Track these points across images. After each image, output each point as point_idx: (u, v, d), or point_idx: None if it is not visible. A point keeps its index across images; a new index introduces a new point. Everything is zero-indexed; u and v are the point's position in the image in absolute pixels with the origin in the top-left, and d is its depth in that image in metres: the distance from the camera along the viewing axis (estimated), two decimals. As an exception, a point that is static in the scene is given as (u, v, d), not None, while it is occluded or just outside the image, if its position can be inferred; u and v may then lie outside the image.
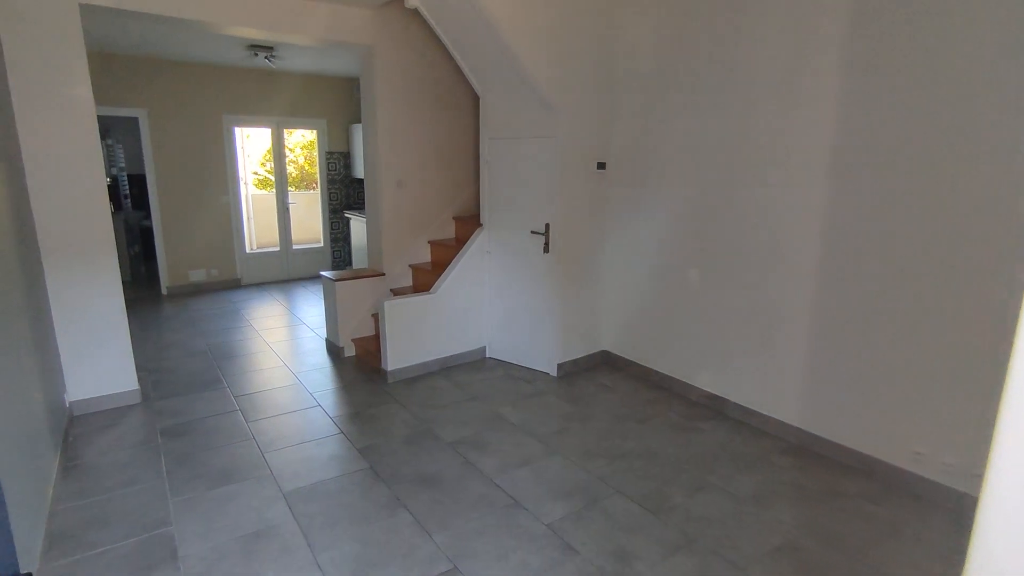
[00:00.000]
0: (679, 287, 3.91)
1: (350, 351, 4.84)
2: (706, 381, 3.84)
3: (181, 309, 6.30)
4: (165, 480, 2.94)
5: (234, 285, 7.41)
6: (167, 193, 6.78)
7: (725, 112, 3.46)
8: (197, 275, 7.14)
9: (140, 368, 4.43)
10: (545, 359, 4.39)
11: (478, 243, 4.55)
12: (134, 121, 6.59)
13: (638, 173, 4.10)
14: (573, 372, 4.42)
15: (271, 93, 7.26)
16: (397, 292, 4.96)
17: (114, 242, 3.67)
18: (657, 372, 4.19)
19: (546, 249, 4.18)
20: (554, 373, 4.35)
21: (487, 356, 4.76)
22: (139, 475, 2.99)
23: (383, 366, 4.30)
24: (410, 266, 5.06)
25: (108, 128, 8.19)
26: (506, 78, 4.02)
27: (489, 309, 4.67)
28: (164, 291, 6.94)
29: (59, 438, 3.17)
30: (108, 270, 3.65)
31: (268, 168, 11.70)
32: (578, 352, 4.47)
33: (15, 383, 2.33)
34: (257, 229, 8.64)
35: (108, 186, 8.09)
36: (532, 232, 4.25)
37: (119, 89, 6.31)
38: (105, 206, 3.58)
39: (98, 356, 3.69)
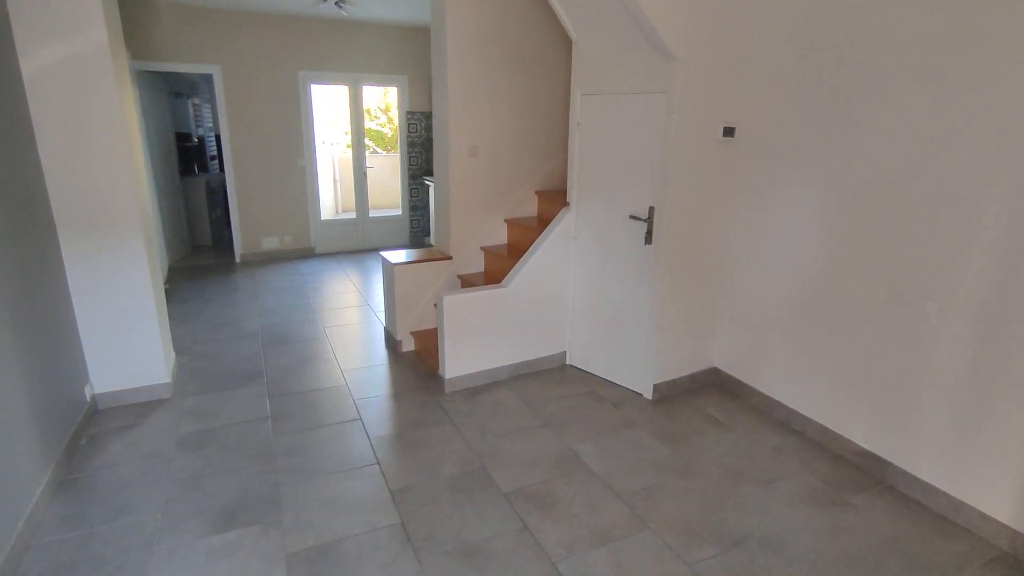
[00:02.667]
0: (835, 300, 2.85)
1: (408, 345, 4.19)
2: (862, 434, 2.80)
3: (248, 280, 5.96)
4: (160, 513, 2.42)
5: (307, 254, 7.03)
6: (241, 155, 6.43)
7: (946, 81, 2.32)
8: (270, 243, 6.81)
9: (183, 352, 4.04)
10: (639, 376, 3.50)
11: (562, 226, 3.68)
12: (221, 79, 6.22)
13: (787, 145, 3.02)
14: (673, 396, 3.50)
15: (348, 47, 6.64)
16: (465, 280, 4.22)
17: (142, 215, 3.17)
18: (786, 407, 3.17)
19: (648, 239, 3.24)
20: (649, 395, 3.46)
21: (567, 364, 3.94)
22: (134, 502, 2.49)
23: (440, 372, 3.60)
24: (482, 248, 4.29)
25: (196, 86, 8.01)
26: (609, 15, 3.05)
27: (573, 308, 3.82)
28: (237, 259, 6.67)
29: (63, 439, 2.75)
30: (134, 248, 3.14)
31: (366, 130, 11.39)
32: (681, 370, 3.53)
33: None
34: (344, 193, 8.25)
35: (194, 147, 8.01)
36: (631, 217, 3.32)
37: (192, 44, 5.93)
38: (129, 173, 3.04)
39: (125, 344, 3.25)
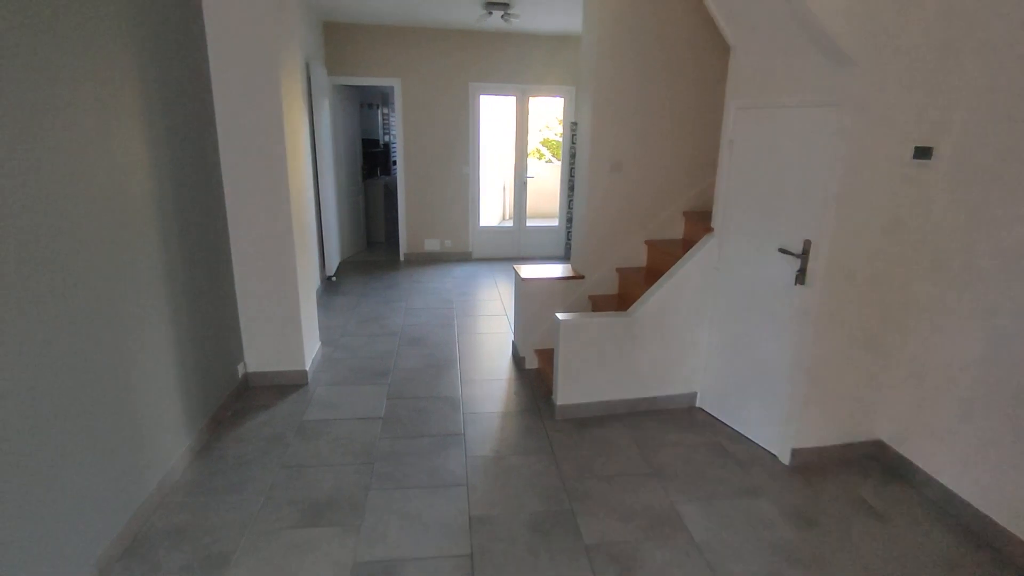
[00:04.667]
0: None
1: (532, 363, 4.09)
2: (1085, 569, 2.05)
3: (405, 279, 6.34)
4: (263, 496, 2.60)
5: (464, 258, 7.30)
6: (413, 161, 6.88)
7: None
8: (431, 244, 7.19)
9: (329, 343, 4.39)
10: (776, 434, 2.99)
11: (703, 254, 3.29)
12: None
13: (1014, 172, 2.35)
14: (817, 466, 2.92)
15: (517, 59, 6.76)
16: (596, 301, 3.99)
17: (297, 225, 3.49)
18: (973, 508, 2.46)
19: (800, 279, 2.74)
20: (785, 460, 2.93)
21: (696, 406, 3.52)
22: (248, 481, 2.71)
23: (553, 397, 3.43)
24: (617, 270, 4.02)
25: (387, 97, 8.79)
26: (772, 15, 2.64)
27: (709, 346, 3.40)
28: (401, 257, 7.16)
29: (211, 410, 3.11)
30: (287, 253, 3.46)
31: (544, 140, 11.67)
32: (832, 437, 2.94)
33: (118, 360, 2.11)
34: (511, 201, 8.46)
35: (379, 152, 8.80)
36: (780, 250, 2.84)
37: (378, 59, 6.48)
38: (285, 193, 3.36)
39: (275, 333, 3.61)
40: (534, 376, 3.97)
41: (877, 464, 2.95)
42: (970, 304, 2.48)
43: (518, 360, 4.16)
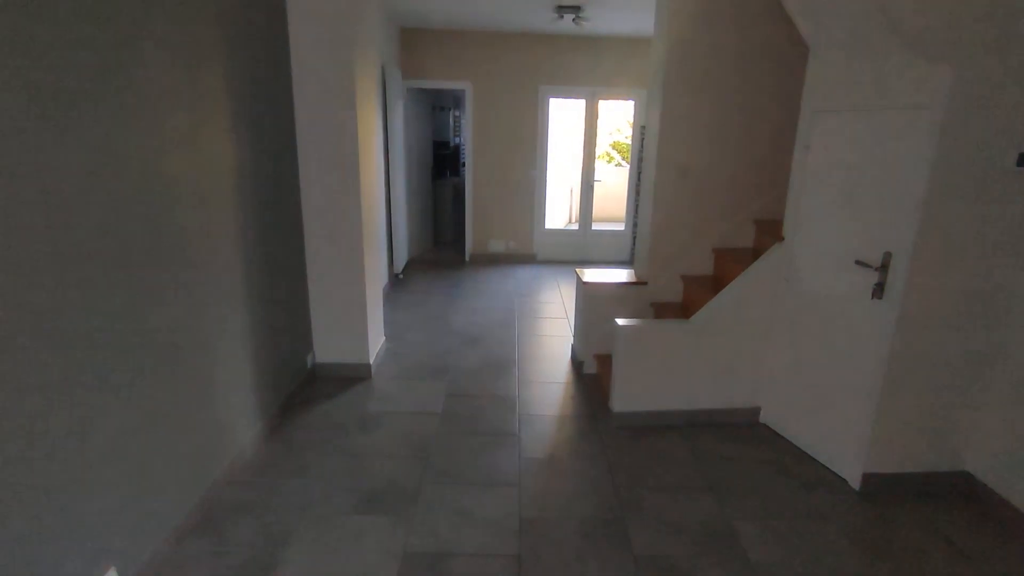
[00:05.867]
0: None
1: (591, 368, 4.05)
2: None
3: (469, 278, 6.45)
4: (324, 482, 2.72)
5: (528, 260, 7.33)
6: (481, 162, 6.98)
7: None
8: (496, 245, 7.27)
9: (394, 338, 4.53)
10: (846, 456, 2.83)
11: (771, 263, 3.16)
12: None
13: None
14: (892, 494, 2.73)
15: (587, 62, 6.73)
16: (660, 308, 3.91)
17: (366, 227, 3.61)
18: (1074, 554, 2.23)
19: (878, 293, 2.58)
20: (855, 484, 2.77)
21: (760, 421, 3.38)
22: (311, 466, 2.84)
23: (609, 404, 3.39)
24: (682, 277, 3.92)
25: (459, 100, 8.96)
26: (856, 14, 2.51)
27: (776, 358, 3.26)
28: (467, 257, 7.28)
29: (282, 397, 3.29)
30: (354, 252, 3.60)
31: (614, 143, 11.56)
32: (911, 464, 2.74)
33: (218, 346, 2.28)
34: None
35: (449, 154, 8.99)
36: (857, 262, 2.68)
37: (450, 63, 6.62)
38: (356, 195, 3.49)
39: (342, 326, 3.76)
40: (592, 381, 3.94)
41: (963, 498, 2.73)
42: (1075, 327, 2.26)
43: (577, 364, 4.14)
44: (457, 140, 8.98)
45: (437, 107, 8.47)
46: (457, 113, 8.87)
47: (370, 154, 3.76)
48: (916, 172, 2.40)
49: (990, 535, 2.48)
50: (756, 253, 3.64)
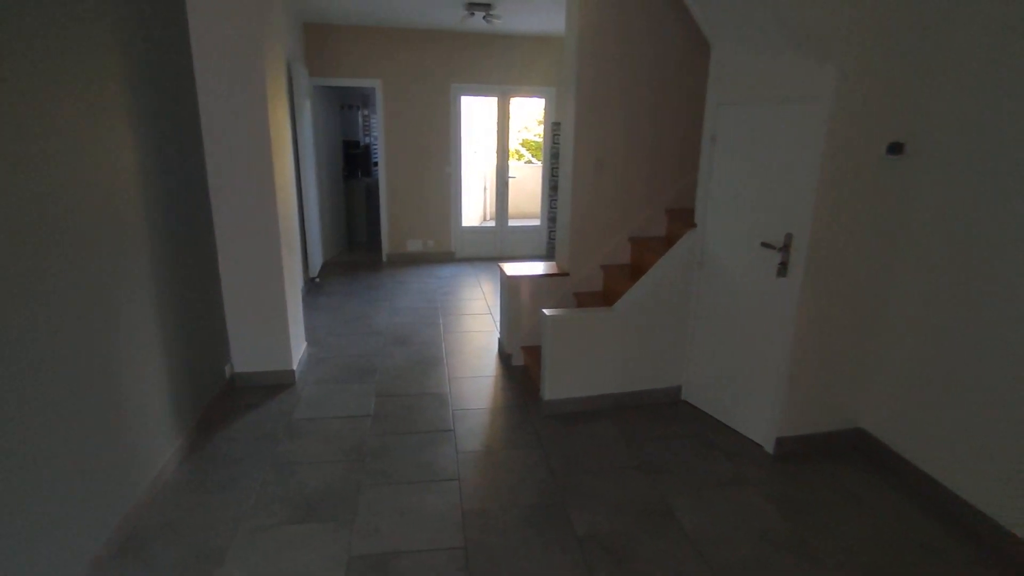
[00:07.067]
0: None
1: (519, 360, 4.11)
2: (1056, 545, 2.14)
3: (389, 279, 6.33)
4: (255, 493, 2.58)
5: (447, 259, 7.31)
6: (394, 161, 6.87)
7: None
8: (414, 245, 7.19)
9: (315, 343, 4.37)
10: (760, 424, 3.06)
11: (685, 250, 3.35)
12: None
13: (988, 167, 2.44)
14: (801, 455, 3.00)
15: (498, 60, 6.80)
16: (581, 298, 4.04)
17: (282, 227, 3.46)
18: (953, 494, 2.55)
19: (781, 271, 2.81)
20: (770, 448, 3.00)
21: (682, 399, 3.58)
22: (239, 478, 2.69)
23: (540, 393, 3.47)
24: (602, 267, 4.07)
25: (367, 98, 8.75)
26: (751, 14, 2.71)
27: (694, 339, 3.46)
28: (384, 258, 7.14)
29: (199, 410, 3.08)
30: (272, 254, 3.44)
31: (523, 141, 11.71)
32: (815, 425, 3.02)
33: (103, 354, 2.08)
34: (492, 202, 8.53)
35: (359, 154, 8.76)
36: (762, 244, 2.91)
37: (358, 60, 6.47)
38: (270, 193, 3.34)
39: (261, 333, 3.58)
40: (521, 373, 4.00)
41: (860, 452, 3.04)
42: (954, 291, 2.57)
43: (504, 357, 4.19)
44: (367, 139, 8.76)
45: (345, 106, 8.23)
46: (366, 112, 8.66)
47: (283, 153, 3.61)
48: (809, 160, 2.64)
49: (881, 480, 2.78)
50: (669, 241, 3.84)
